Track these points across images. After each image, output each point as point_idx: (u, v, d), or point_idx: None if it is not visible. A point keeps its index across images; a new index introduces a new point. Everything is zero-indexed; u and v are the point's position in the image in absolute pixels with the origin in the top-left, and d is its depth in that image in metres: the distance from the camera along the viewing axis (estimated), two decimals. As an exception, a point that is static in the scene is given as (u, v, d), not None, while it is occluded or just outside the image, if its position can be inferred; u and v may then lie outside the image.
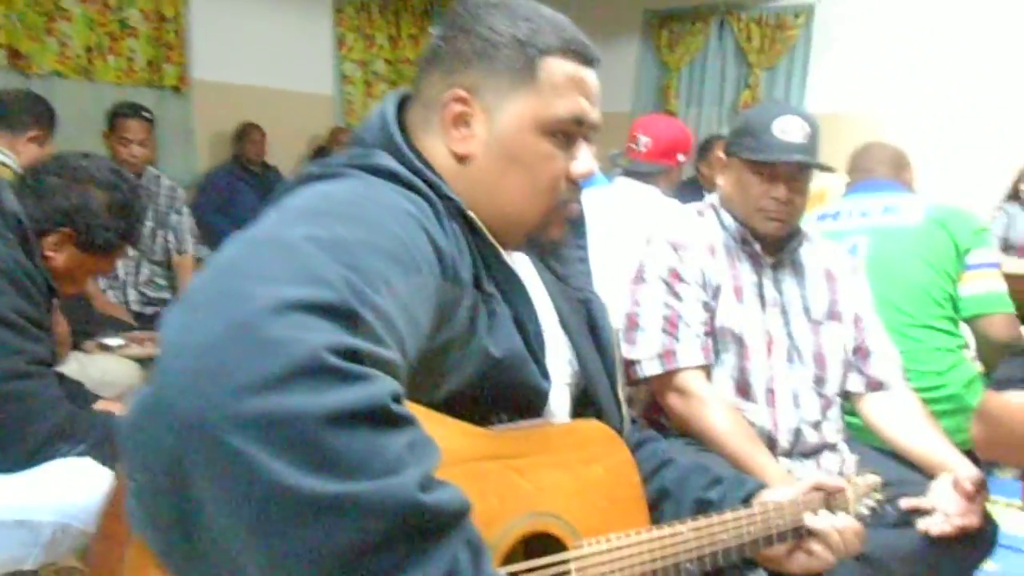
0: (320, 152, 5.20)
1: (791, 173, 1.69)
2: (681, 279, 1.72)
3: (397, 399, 0.59)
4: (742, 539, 0.96)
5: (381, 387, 0.57)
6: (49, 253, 1.59)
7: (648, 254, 1.78)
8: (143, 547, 0.59)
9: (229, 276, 0.59)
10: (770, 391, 1.72)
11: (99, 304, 2.97)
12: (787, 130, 1.68)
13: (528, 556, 0.83)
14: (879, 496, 1.15)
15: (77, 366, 2.12)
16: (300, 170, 0.84)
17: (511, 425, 0.86)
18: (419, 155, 0.88)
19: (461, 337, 0.80)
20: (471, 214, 0.86)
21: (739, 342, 1.72)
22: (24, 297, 1.46)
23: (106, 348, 2.55)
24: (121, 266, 3.12)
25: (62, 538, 1.46)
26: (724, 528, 0.95)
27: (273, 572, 0.53)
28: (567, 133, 0.91)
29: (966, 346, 2.29)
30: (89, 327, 2.73)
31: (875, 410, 1.81)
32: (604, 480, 0.90)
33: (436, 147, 0.90)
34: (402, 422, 0.58)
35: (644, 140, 2.62)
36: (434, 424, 0.72)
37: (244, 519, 0.52)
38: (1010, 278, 2.26)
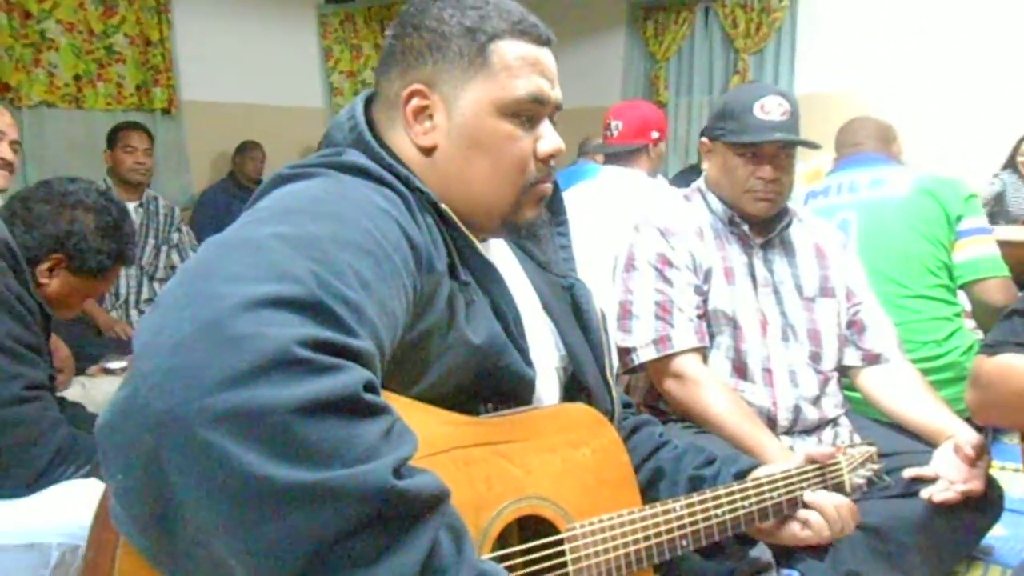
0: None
1: (775, 153, 1.70)
2: (671, 264, 1.73)
3: (370, 388, 0.59)
4: (736, 513, 0.97)
5: (352, 376, 0.58)
6: (43, 280, 1.60)
7: (637, 241, 1.79)
8: (131, 558, 0.60)
9: (198, 278, 0.60)
10: (767, 370, 1.72)
11: (102, 321, 3.00)
12: (768, 110, 1.68)
13: (521, 540, 0.83)
14: (875, 466, 1.15)
15: (81, 390, 2.13)
16: (271, 175, 0.85)
17: (497, 413, 0.86)
18: (389, 151, 0.89)
19: (440, 327, 0.81)
20: (443, 206, 0.87)
21: (733, 323, 1.72)
22: (18, 322, 1.46)
23: (110, 372, 2.56)
24: (124, 285, 3.15)
25: (71, 559, 1.46)
26: (717, 503, 0.95)
27: (252, 563, 0.54)
28: (528, 114, 0.92)
29: (963, 314, 2.28)
30: (93, 351, 2.74)
31: (873, 383, 1.81)
32: (593, 462, 0.90)
33: (402, 143, 0.92)
34: (375, 410, 0.59)
35: (615, 124, 2.68)
36: (418, 414, 0.73)
37: (221, 512, 0.53)
38: (1005, 245, 2.25)
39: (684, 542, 0.92)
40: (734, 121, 1.72)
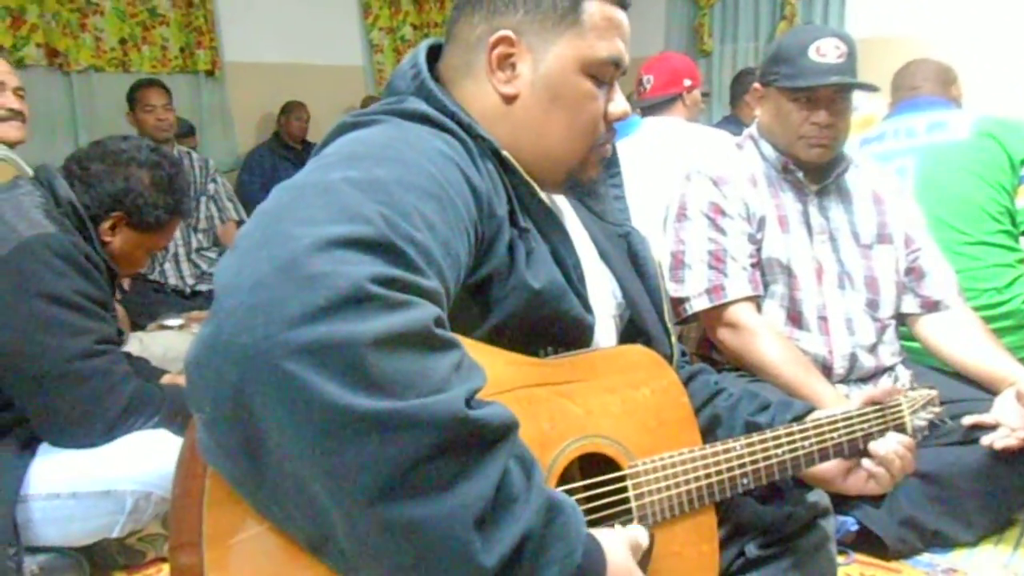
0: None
1: (830, 97, 1.65)
2: (724, 213, 1.71)
3: (439, 323, 0.61)
4: (796, 453, 0.96)
5: (423, 312, 0.60)
6: (106, 238, 1.64)
7: (689, 190, 1.76)
8: (220, 485, 0.63)
9: (273, 221, 0.62)
10: (822, 319, 1.70)
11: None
12: (824, 52, 1.63)
13: (584, 477, 0.85)
14: (936, 409, 1.13)
15: (139, 345, 2.20)
16: (336, 123, 0.86)
17: (558, 355, 0.87)
18: (451, 98, 0.89)
19: (501, 272, 0.82)
20: (505, 153, 0.87)
21: (787, 272, 1.70)
22: (87, 279, 1.51)
23: (166, 328, 2.64)
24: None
25: (145, 505, 1.54)
26: (777, 443, 0.95)
27: (334, 487, 0.56)
28: (606, 75, 0.93)
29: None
30: (150, 309, 2.83)
31: (932, 330, 1.78)
32: (652, 402, 0.91)
33: (479, 89, 0.92)
34: (446, 344, 0.61)
35: (647, 79, 2.71)
36: (481, 354, 0.73)
37: (303, 438, 0.55)
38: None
39: (745, 480, 0.92)
40: (788, 65, 1.67)
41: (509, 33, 0.90)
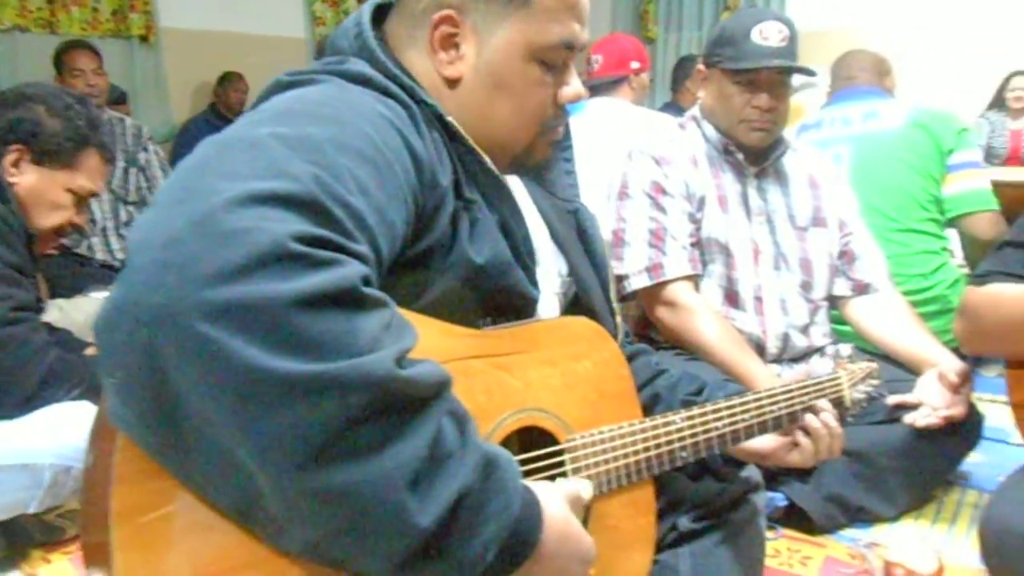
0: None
1: (772, 80, 1.67)
2: (665, 192, 1.72)
3: (368, 283, 0.59)
4: (736, 426, 0.97)
5: (350, 270, 0.57)
6: (11, 179, 1.55)
7: (630, 169, 1.77)
8: (129, 460, 0.59)
9: (193, 175, 0.59)
10: (758, 299, 1.73)
11: None
12: (767, 35, 1.65)
13: (521, 452, 0.84)
14: (875, 382, 1.16)
15: (59, 313, 2.11)
16: (271, 82, 0.82)
17: (497, 325, 0.86)
18: (396, 63, 0.85)
19: (442, 245, 0.80)
20: (450, 119, 0.84)
21: (725, 252, 1.72)
22: (2, 243, 1.44)
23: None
24: (98, 211, 3.06)
25: (64, 480, 1.47)
26: (718, 416, 0.95)
27: (261, 454, 0.54)
28: (558, 59, 0.89)
29: (949, 248, 2.30)
30: (76, 283, 2.71)
31: (862, 313, 1.83)
32: (593, 374, 0.90)
33: (421, 64, 0.88)
34: (375, 303, 0.59)
35: (595, 58, 2.71)
36: (417, 324, 0.72)
37: (224, 404, 0.53)
38: (993, 185, 2.25)
39: (684, 453, 0.93)
40: (731, 47, 1.68)
41: (453, 13, 0.85)
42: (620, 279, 1.72)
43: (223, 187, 0.55)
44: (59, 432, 1.43)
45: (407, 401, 0.58)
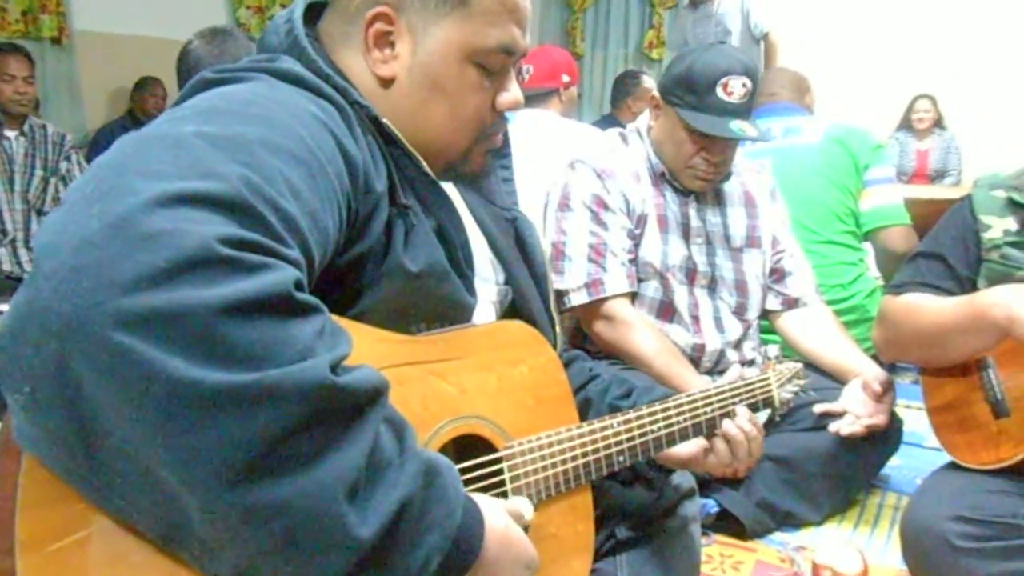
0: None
1: (726, 139, 1.66)
2: (606, 207, 1.71)
3: (299, 287, 0.56)
4: (672, 428, 0.97)
5: (282, 275, 0.54)
6: None
7: (572, 180, 1.75)
8: (34, 484, 0.55)
9: (110, 173, 0.54)
10: (694, 318, 1.76)
11: None
12: (731, 90, 1.63)
13: (459, 460, 0.82)
14: (801, 382, 1.18)
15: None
16: (195, 78, 0.78)
17: (431, 331, 0.84)
18: (330, 62, 0.82)
19: (376, 252, 0.77)
20: (385, 121, 0.81)
21: (661, 274, 1.73)
22: None
23: (-2, 314, 2.40)
24: (9, 220, 2.92)
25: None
26: (653, 419, 0.96)
27: (185, 472, 0.50)
28: (496, 64, 0.86)
29: (865, 260, 2.39)
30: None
31: (790, 326, 1.87)
32: (530, 380, 0.89)
33: (356, 64, 0.84)
34: (308, 309, 0.56)
35: (526, 68, 2.72)
36: (348, 330, 0.69)
37: (145, 420, 0.49)
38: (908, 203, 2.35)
39: (621, 458, 0.92)
40: (694, 95, 1.65)
41: (388, 9, 0.82)
42: (560, 294, 1.71)
43: (143, 186, 0.52)
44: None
45: (343, 409, 0.55)
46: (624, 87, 4.32)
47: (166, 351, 0.48)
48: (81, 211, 0.51)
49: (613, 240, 1.70)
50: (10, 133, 3.00)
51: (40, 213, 3.03)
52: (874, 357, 1.81)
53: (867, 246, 2.43)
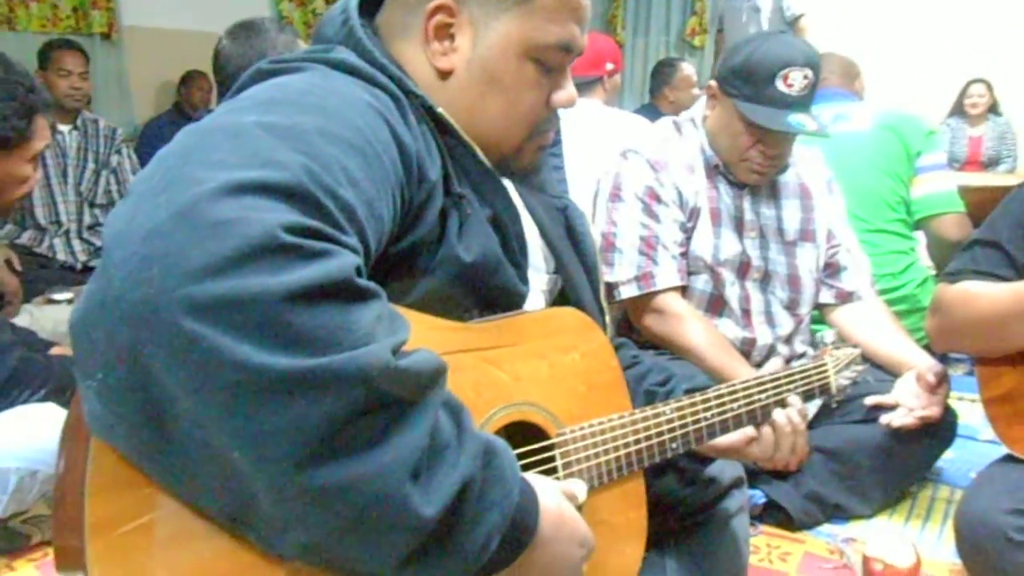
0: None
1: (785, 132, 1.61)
2: (659, 199, 1.68)
3: (360, 274, 0.57)
4: (725, 415, 0.96)
5: (343, 261, 0.55)
6: None
7: (624, 171, 1.72)
8: (104, 469, 0.56)
9: (175, 164, 0.56)
10: (745, 312, 1.73)
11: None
12: (791, 82, 1.57)
13: (511, 447, 0.82)
14: (859, 368, 1.15)
15: (29, 319, 2.05)
16: (251, 69, 0.79)
17: (484, 318, 0.84)
18: (385, 53, 0.83)
19: (429, 241, 0.77)
20: (440, 110, 0.81)
21: (712, 268, 1.70)
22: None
23: (54, 303, 2.47)
24: (63, 212, 3.00)
25: (30, 484, 1.42)
26: (707, 406, 0.94)
27: (255, 455, 0.52)
28: (554, 61, 0.86)
29: (917, 248, 2.34)
30: (35, 285, 2.64)
31: (844, 319, 1.83)
32: (582, 366, 0.89)
33: (414, 55, 0.85)
34: (368, 295, 0.57)
35: None
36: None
37: (217, 404, 0.51)
38: (963, 191, 2.30)
39: (674, 445, 0.92)
40: (752, 86, 1.59)
41: (449, 2, 0.82)
42: (609, 287, 1.68)
43: (207, 176, 0.53)
44: (24, 435, 1.38)
45: (405, 392, 0.56)
46: (661, 76, 4.28)
47: (235, 337, 0.49)
48: (148, 201, 0.53)
49: (664, 233, 1.67)
50: (63, 127, 3.08)
51: (92, 205, 3.12)
52: (926, 347, 1.77)
53: (919, 235, 2.38)
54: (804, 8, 4.18)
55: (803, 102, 1.60)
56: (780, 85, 1.57)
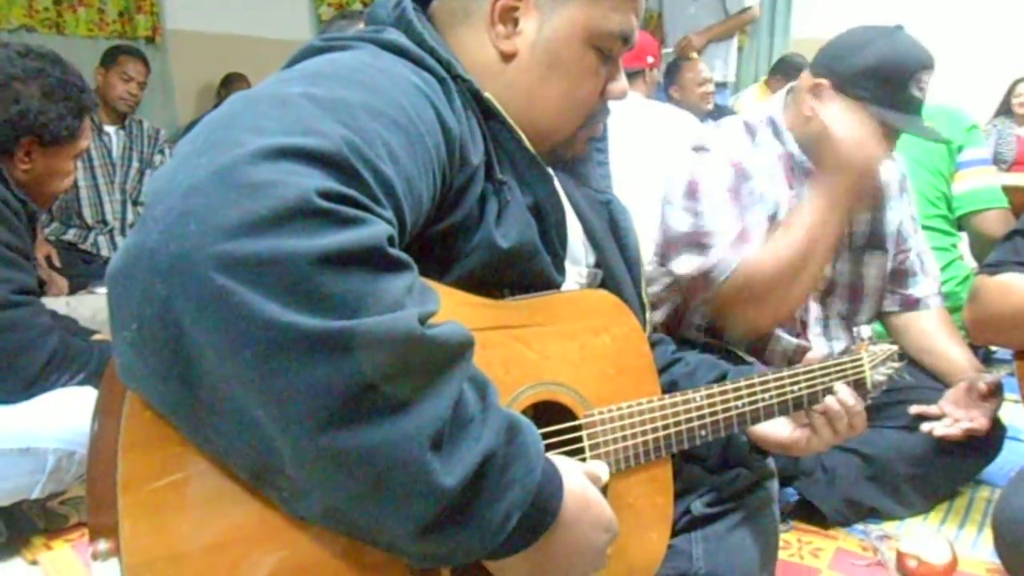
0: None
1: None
2: (743, 197, 1.57)
3: (392, 243, 0.57)
4: (756, 405, 0.95)
5: (377, 229, 0.56)
6: (24, 167, 1.54)
7: (702, 171, 1.58)
8: (137, 426, 0.58)
9: (219, 127, 0.57)
10: (802, 322, 1.66)
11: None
12: (923, 86, 1.51)
13: (538, 426, 0.82)
14: (896, 365, 1.13)
15: (65, 307, 2.09)
16: (304, 45, 0.80)
17: (516, 297, 0.84)
18: (436, 37, 0.83)
19: (467, 225, 0.78)
20: (487, 95, 0.82)
21: None
22: (4, 226, 1.43)
23: (95, 295, 2.53)
24: (109, 211, 3.09)
25: (67, 465, 1.46)
26: (738, 395, 0.94)
27: (278, 413, 0.53)
28: (612, 50, 0.88)
29: (959, 245, 2.29)
30: (79, 280, 2.70)
31: (904, 326, 1.78)
32: (612, 349, 0.89)
33: (475, 40, 0.86)
34: (399, 265, 0.57)
35: None
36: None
37: (243, 361, 0.51)
38: (1004, 190, 2.24)
39: (703, 432, 0.91)
40: (886, 89, 1.49)
41: None
42: (710, 270, 1.53)
43: (249, 139, 0.54)
44: (63, 417, 1.42)
45: (430, 361, 0.57)
46: (670, 75, 4.24)
47: (263, 295, 0.50)
48: (190, 161, 0.54)
49: (754, 230, 1.55)
50: (110, 128, 3.17)
51: (136, 204, 3.21)
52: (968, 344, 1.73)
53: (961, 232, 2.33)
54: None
55: (922, 104, 1.53)
56: (914, 88, 1.50)
